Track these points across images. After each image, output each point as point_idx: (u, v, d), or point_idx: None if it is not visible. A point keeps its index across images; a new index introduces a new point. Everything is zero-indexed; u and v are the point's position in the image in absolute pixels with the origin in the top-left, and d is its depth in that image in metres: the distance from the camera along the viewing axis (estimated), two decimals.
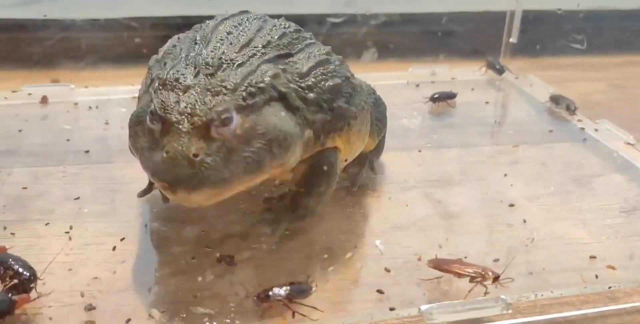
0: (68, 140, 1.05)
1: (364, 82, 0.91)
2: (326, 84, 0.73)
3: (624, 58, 1.57)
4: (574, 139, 1.12)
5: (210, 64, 0.67)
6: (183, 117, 0.60)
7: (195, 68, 0.66)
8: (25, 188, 0.90)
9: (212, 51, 0.70)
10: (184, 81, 0.64)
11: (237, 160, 0.61)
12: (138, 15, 1.44)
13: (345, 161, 0.83)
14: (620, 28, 1.59)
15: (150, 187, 0.87)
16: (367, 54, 1.31)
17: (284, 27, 0.79)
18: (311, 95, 0.71)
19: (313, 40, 0.80)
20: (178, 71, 0.66)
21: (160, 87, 0.65)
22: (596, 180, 0.98)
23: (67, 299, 0.68)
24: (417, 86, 1.34)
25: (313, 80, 0.72)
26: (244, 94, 0.64)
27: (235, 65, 0.67)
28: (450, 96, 1.24)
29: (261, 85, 0.66)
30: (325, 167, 0.75)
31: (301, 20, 0.87)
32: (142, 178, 0.93)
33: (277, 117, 0.66)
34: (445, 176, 0.97)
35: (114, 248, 0.77)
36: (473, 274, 0.69)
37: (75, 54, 1.40)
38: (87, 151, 1.01)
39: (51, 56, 1.37)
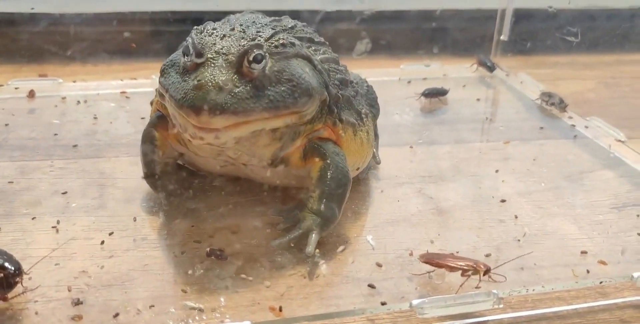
0: (56, 134, 1.04)
1: (356, 74, 0.94)
2: (337, 76, 0.83)
3: (614, 57, 1.58)
4: (565, 136, 1.12)
5: (244, 24, 0.76)
6: (218, 55, 0.68)
7: (230, 26, 0.75)
8: (12, 182, 0.89)
9: (244, 21, 0.79)
10: (221, 31, 0.73)
11: (261, 96, 0.68)
12: (126, 10, 1.43)
13: (357, 169, 0.87)
14: (609, 27, 1.60)
15: (152, 175, 0.85)
16: (360, 45, 1.31)
17: (304, 25, 0.87)
18: (326, 76, 0.79)
19: (326, 43, 0.88)
20: (215, 25, 0.76)
21: (199, 34, 0.73)
22: (587, 176, 0.99)
23: (53, 294, 0.67)
24: (409, 82, 1.34)
25: (327, 67, 0.81)
26: (276, 43, 0.73)
27: (268, 28, 0.77)
28: (442, 93, 1.24)
29: (291, 40, 0.75)
30: (336, 168, 0.76)
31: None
32: (130, 172, 0.93)
33: (303, 70, 0.73)
34: (437, 172, 0.97)
35: (102, 242, 0.76)
36: (465, 267, 0.68)
37: (63, 49, 1.39)
38: (75, 146, 1.00)
39: (39, 51, 1.35)
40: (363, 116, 0.87)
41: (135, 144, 1.01)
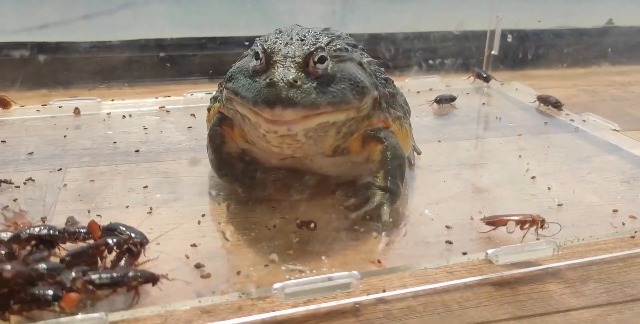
0: (115, 143, 1.12)
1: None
2: (381, 75, 0.93)
3: (586, 69, 1.78)
4: (567, 130, 1.27)
5: (300, 34, 0.85)
6: (285, 58, 0.78)
7: (288, 36, 0.84)
8: (93, 181, 0.96)
9: (298, 31, 0.88)
10: (283, 40, 0.82)
11: (326, 92, 0.77)
12: (143, 37, 1.54)
13: None
14: (580, 44, 1.81)
15: (224, 169, 0.93)
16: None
17: (346, 34, 0.97)
18: (374, 76, 0.87)
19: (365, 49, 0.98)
20: (275, 37, 0.84)
21: (264, 42, 0.82)
22: (594, 160, 1.13)
23: (169, 264, 0.74)
24: (418, 92, 1.48)
25: (372, 68, 0.91)
26: (334, 48, 0.84)
27: (323, 35, 0.87)
28: (452, 99, 1.38)
29: (345, 46, 0.86)
30: (394, 149, 0.88)
31: None
32: (193, 171, 1.01)
33: (357, 72, 0.84)
34: (466, 160, 1.10)
35: (198, 222, 0.84)
36: (524, 219, 0.80)
37: (88, 74, 1.48)
38: (137, 151, 1.08)
39: (65, 76, 1.44)
40: (405, 110, 0.99)
41: (190, 148, 1.11)
